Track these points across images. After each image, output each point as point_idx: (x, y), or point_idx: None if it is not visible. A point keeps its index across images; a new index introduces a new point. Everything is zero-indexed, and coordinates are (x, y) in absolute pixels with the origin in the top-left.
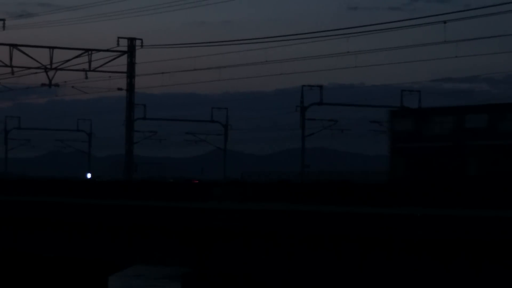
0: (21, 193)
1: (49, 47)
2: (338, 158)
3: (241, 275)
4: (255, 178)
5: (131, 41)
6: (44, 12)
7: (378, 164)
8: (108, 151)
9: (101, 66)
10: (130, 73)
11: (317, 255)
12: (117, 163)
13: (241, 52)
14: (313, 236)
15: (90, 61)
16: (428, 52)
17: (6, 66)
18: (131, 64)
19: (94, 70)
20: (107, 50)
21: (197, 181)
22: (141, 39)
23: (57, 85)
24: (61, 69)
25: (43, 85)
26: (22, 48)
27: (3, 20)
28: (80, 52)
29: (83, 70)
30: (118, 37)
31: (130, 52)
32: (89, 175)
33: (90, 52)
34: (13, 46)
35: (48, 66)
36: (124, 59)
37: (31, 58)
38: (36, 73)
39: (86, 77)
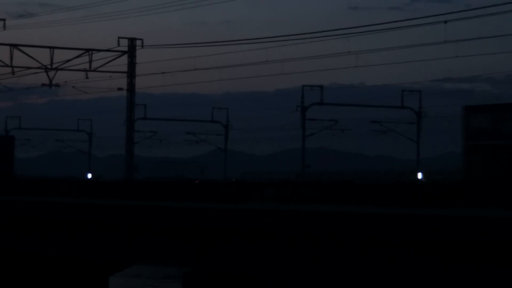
0: (22, 193)
1: (50, 47)
2: (338, 158)
3: (242, 275)
4: (255, 178)
5: (132, 41)
6: (44, 12)
7: (379, 164)
8: (108, 151)
9: (101, 66)
10: (131, 73)
11: (318, 255)
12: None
13: (241, 52)
14: (314, 236)
15: (90, 61)
16: (429, 52)
17: (6, 66)
18: (132, 64)
19: (94, 70)
20: (108, 50)
21: (198, 181)
22: (141, 39)
23: (57, 85)
24: (62, 69)
25: (43, 85)
26: (22, 48)
27: (4, 20)
28: (80, 52)
29: (84, 70)
30: (119, 37)
31: (131, 52)
32: (89, 175)
33: (90, 52)
34: (14, 46)
35: (49, 66)
36: (124, 59)
37: (32, 58)
38: (36, 73)
39: (87, 77)
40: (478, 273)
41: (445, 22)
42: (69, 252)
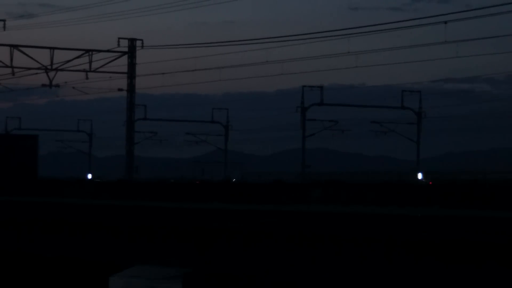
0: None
1: (50, 48)
2: (338, 158)
3: (242, 275)
4: (255, 178)
5: (132, 41)
6: (44, 13)
7: (379, 164)
8: (108, 152)
9: (101, 66)
10: (131, 73)
11: (318, 255)
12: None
13: (241, 52)
14: (314, 236)
15: (90, 62)
16: (429, 52)
17: (6, 66)
18: (132, 65)
19: (94, 71)
20: (108, 51)
21: (198, 182)
22: (141, 40)
23: (57, 85)
24: (62, 70)
25: (43, 85)
26: (22, 49)
27: (4, 20)
28: (80, 52)
29: (84, 70)
30: (119, 38)
31: (131, 52)
32: (89, 176)
33: (90, 52)
34: (14, 46)
35: (49, 67)
36: (124, 60)
37: (32, 58)
38: (36, 73)
39: (87, 78)
40: (478, 273)
41: (445, 22)
42: (69, 252)
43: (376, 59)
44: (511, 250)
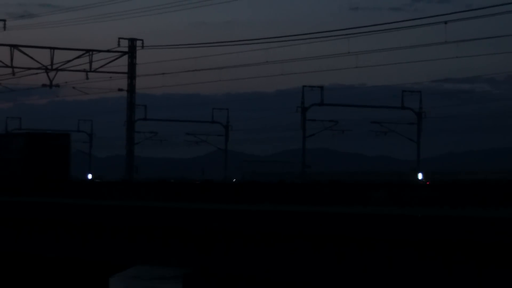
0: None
1: (50, 48)
2: (338, 158)
3: (242, 275)
4: (255, 178)
5: (132, 41)
6: (45, 13)
7: (379, 164)
8: (109, 152)
9: (102, 66)
10: (131, 73)
11: (318, 255)
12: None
13: (242, 52)
14: (314, 236)
15: (91, 62)
16: (429, 52)
17: (7, 66)
18: (132, 65)
19: (95, 71)
20: (108, 51)
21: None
22: (142, 40)
23: (57, 85)
24: (62, 70)
25: (43, 85)
26: (23, 49)
27: (4, 20)
28: (81, 52)
29: (84, 70)
30: (119, 38)
31: (131, 52)
32: (90, 176)
33: (91, 52)
34: (14, 46)
35: (49, 67)
36: (125, 60)
37: (32, 58)
38: (37, 73)
39: (87, 78)
40: (478, 272)
41: (446, 22)
42: (69, 253)
43: (376, 59)
44: (511, 250)
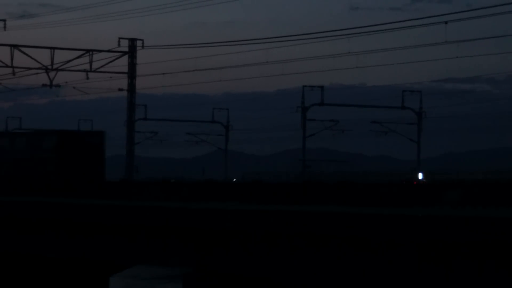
0: (23, 194)
1: (50, 48)
2: (338, 158)
3: (242, 275)
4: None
5: (132, 41)
6: (45, 13)
7: (379, 164)
8: (109, 152)
9: (102, 66)
10: (131, 73)
11: (318, 255)
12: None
13: (242, 52)
14: (313, 236)
15: (91, 62)
16: (429, 52)
17: (7, 66)
18: (132, 65)
19: (95, 71)
20: (108, 51)
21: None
22: (142, 40)
23: (58, 85)
24: (62, 70)
25: (44, 85)
26: (23, 49)
27: (4, 20)
28: (81, 52)
29: (84, 70)
30: (119, 38)
31: (131, 52)
32: None
33: (91, 52)
34: (14, 46)
35: (49, 67)
36: (125, 60)
37: (32, 58)
38: (37, 73)
39: (87, 78)
40: (479, 272)
41: (446, 22)
42: (69, 252)
43: (376, 59)
44: (511, 250)
